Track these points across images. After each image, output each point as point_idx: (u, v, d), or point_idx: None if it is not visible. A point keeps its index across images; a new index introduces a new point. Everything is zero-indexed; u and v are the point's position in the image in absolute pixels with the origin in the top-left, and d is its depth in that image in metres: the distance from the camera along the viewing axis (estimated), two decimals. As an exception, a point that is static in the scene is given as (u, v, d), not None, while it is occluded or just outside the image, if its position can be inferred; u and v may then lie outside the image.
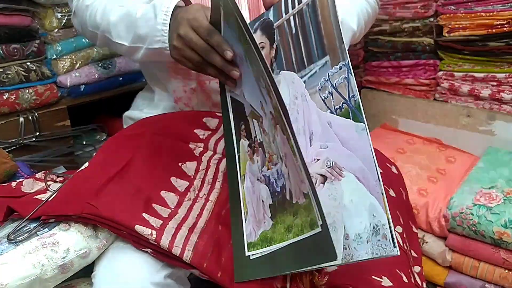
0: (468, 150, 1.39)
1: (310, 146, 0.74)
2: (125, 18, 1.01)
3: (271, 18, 0.83)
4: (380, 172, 0.94)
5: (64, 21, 1.58)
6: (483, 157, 1.30)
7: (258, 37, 0.85)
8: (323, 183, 0.70)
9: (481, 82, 1.37)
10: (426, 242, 1.19)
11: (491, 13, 1.28)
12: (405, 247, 0.90)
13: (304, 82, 0.77)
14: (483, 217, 1.08)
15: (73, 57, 1.63)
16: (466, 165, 1.31)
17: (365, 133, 0.66)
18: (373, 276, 0.77)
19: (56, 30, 1.58)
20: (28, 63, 1.49)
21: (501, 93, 1.34)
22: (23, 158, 1.44)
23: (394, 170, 1.03)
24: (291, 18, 0.80)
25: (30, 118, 1.49)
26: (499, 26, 1.28)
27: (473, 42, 1.36)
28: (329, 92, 0.73)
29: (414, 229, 1.04)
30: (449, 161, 1.34)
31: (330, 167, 0.69)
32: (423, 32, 1.46)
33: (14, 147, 1.46)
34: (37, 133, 1.51)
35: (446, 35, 1.37)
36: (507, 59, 1.34)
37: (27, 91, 1.48)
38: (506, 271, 1.09)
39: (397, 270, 0.82)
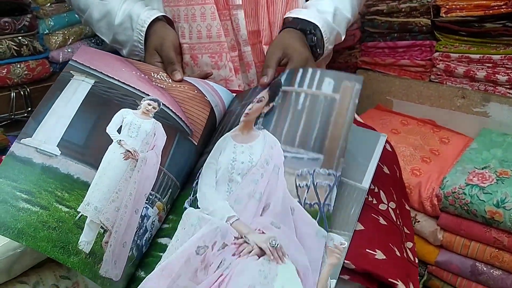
0: (462, 131, 1.40)
1: (260, 215, 0.72)
2: (106, 18, 1.09)
3: (282, 80, 0.83)
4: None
5: (57, -5, 1.57)
6: (476, 138, 1.31)
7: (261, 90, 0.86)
8: (259, 257, 0.68)
9: (477, 64, 1.37)
10: (418, 221, 1.20)
11: (489, -6, 1.28)
12: (398, 223, 0.91)
13: (285, 157, 0.75)
14: (475, 196, 1.09)
15: (66, 32, 1.62)
16: (459, 146, 1.31)
17: (323, 240, 0.67)
18: (367, 250, 0.77)
19: (49, 4, 1.57)
20: (20, 38, 1.47)
21: (496, 75, 1.34)
22: (14, 134, 1.43)
23: (388, 147, 1.03)
24: (302, 94, 0.79)
25: (22, 93, 1.48)
26: (496, 8, 1.28)
27: (469, 23, 1.36)
28: (306, 185, 0.71)
29: (407, 207, 1.04)
30: (443, 142, 1.35)
31: (274, 246, 0.68)
32: (420, 12, 1.46)
33: (5, 122, 1.45)
34: (29, 109, 1.50)
35: (443, 15, 1.37)
36: (503, 40, 1.34)
37: (18, 66, 1.47)
38: (497, 250, 1.10)
39: (390, 244, 0.82)
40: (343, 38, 1.07)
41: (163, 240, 0.74)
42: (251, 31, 1.05)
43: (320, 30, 1.01)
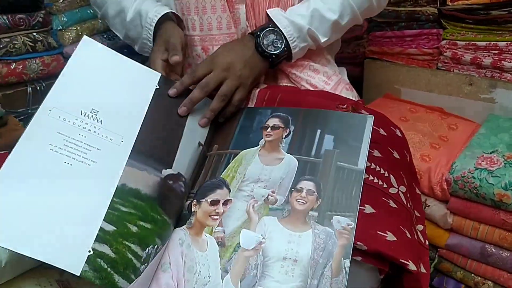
0: (470, 118, 1.41)
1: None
2: (120, 15, 1.11)
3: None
4: (384, 135, 0.98)
5: (69, -9, 1.59)
6: (484, 124, 1.33)
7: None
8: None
9: (483, 51, 1.39)
10: (428, 206, 1.22)
11: (495, -18, 1.30)
12: (408, 206, 0.93)
13: None
14: (484, 180, 1.11)
15: (78, 28, 1.64)
16: (467, 132, 1.33)
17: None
18: (378, 232, 0.79)
19: (61, 0, 1.59)
20: (34, 34, 1.50)
21: (502, 62, 1.36)
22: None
23: (398, 133, 1.05)
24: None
25: (38, 88, 1.51)
26: (502, -5, 1.29)
27: (476, 11, 1.37)
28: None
29: (417, 191, 1.06)
30: (451, 128, 1.37)
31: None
32: (427, 1, 1.47)
33: (22, 117, 1.48)
34: (45, 104, 1.53)
35: (450, 4, 1.39)
36: (508, 27, 1.35)
37: (34, 61, 1.49)
38: (506, 232, 1.13)
39: (400, 227, 0.84)
40: (325, 40, 1.06)
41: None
42: (254, 25, 1.08)
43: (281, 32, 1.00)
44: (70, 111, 0.78)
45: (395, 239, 0.80)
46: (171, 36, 1.01)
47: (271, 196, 0.80)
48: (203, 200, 0.79)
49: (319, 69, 1.12)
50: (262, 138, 0.88)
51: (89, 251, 0.67)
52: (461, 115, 1.43)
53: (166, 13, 1.05)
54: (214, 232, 0.78)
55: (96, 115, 0.80)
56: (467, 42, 1.40)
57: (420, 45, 1.51)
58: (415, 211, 1.00)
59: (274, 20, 1.01)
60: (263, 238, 0.75)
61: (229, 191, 0.81)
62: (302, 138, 0.87)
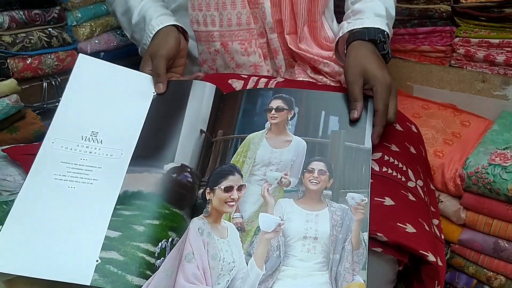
0: (483, 115, 1.42)
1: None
2: (127, 15, 1.14)
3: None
4: (401, 130, 0.99)
5: (84, -13, 1.61)
6: (497, 120, 1.34)
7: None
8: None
9: (496, 48, 1.39)
10: (441, 202, 1.23)
11: (508, -21, 1.30)
12: (426, 199, 0.94)
13: None
14: (498, 176, 1.12)
15: (92, 24, 1.66)
16: (480, 128, 1.34)
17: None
18: (397, 223, 0.80)
19: (76, -4, 1.61)
20: (50, 29, 1.52)
21: (515, 59, 1.37)
22: (47, 122, 1.48)
23: (414, 129, 1.06)
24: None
25: (53, 83, 1.53)
26: (515, -7, 1.30)
27: (489, 8, 1.37)
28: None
29: (432, 186, 1.08)
30: (464, 125, 1.37)
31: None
32: (440, -1, 1.48)
33: (37, 111, 1.49)
34: (60, 98, 1.54)
35: (463, 1, 1.39)
36: (522, 25, 1.36)
37: (49, 57, 1.51)
38: (519, 227, 1.14)
39: (419, 219, 0.85)
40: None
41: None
42: (277, 20, 1.09)
43: (388, 35, 1.01)
44: (71, 139, 0.83)
45: (414, 231, 0.81)
46: (160, 47, 1.00)
47: (284, 179, 0.82)
48: (217, 187, 0.80)
49: (333, 65, 1.13)
50: (267, 121, 0.89)
51: (97, 260, 0.72)
52: (473, 112, 1.44)
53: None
54: (233, 218, 0.79)
55: (96, 136, 0.85)
56: (481, 39, 1.41)
57: (433, 42, 1.52)
58: (431, 206, 1.01)
59: (381, 28, 1.00)
60: (281, 220, 0.77)
61: (242, 176, 0.82)
62: (307, 119, 0.89)
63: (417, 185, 0.93)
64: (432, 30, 1.51)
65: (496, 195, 1.13)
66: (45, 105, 1.51)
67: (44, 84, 1.51)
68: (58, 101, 1.50)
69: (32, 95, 1.50)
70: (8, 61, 1.38)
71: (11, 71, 1.39)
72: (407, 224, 0.82)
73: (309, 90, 0.95)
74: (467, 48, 1.45)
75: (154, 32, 1.05)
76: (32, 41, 1.46)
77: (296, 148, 0.85)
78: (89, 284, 0.69)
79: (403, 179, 0.90)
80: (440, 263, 0.83)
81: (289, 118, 0.89)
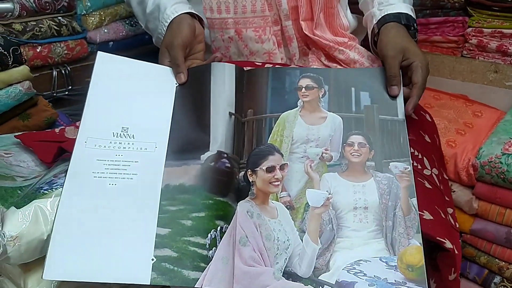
0: (495, 105, 1.41)
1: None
2: (142, 5, 1.12)
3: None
4: (416, 119, 0.99)
5: (93, -24, 1.60)
6: (510, 111, 1.33)
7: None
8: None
9: (509, 38, 1.38)
10: (454, 191, 1.23)
11: (522, -31, 1.29)
12: (441, 188, 0.94)
13: None
14: (511, 165, 1.12)
15: (102, 13, 1.65)
16: (493, 118, 1.33)
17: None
18: (415, 210, 0.80)
19: (85, -15, 1.60)
20: (60, 18, 1.52)
21: (528, 49, 1.36)
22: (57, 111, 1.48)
23: (428, 118, 1.06)
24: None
25: (63, 72, 1.53)
26: (529, -18, 1.29)
27: (502, -2, 1.37)
28: None
29: (445, 176, 1.07)
30: (476, 115, 1.37)
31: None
32: (453, -12, 1.47)
33: (47, 100, 1.49)
34: (69, 87, 1.55)
35: (476, -9, 1.39)
36: (535, 15, 1.35)
37: (59, 45, 1.51)
38: (532, 217, 1.14)
39: (435, 207, 0.86)
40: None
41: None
42: (292, 7, 1.08)
43: (416, 23, 1.02)
44: (103, 136, 0.83)
45: (431, 218, 0.81)
46: (175, 37, 0.99)
47: (326, 154, 0.83)
48: (258, 168, 0.80)
49: (348, 52, 1.13)
50: (298, 99, 0.89)
51: (152, 259, 0.73)
52: (485, 102, 1.43)
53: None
54: (280, 197, 0.80)
55: (127, 132, 0.85)
56: (493, 29, 1.40)
57: (445, 32, 1.51)
58: (445, 195, 1.01)
59: (411, 14, 1.02)
60: (329, 194, 0.78)
61: (282, 155, 0.82)
62: (338, 96, 0.90)
63: (433, 173, 0.93)
64: (444, 20, 1.50)
65: (510, 184, 1.12)
66: (55, 94, 1.51)
67: (54, 73, 1.51)
68: (68, 90, 1.54)
69: (42, 83, 1.49)
70: (19, 48, 1.37)
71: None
72: (424, 211, 0.82)
73: (335, 69, 0.95)
74: (479, 38, 1.44)
75: (169, 21, 1.03)
76: (42, 30, 1.46)
77: (332, 124, 0.86)
78: (149, 283, 0.70)
79: (419, 166, 0.90)
80: (456, 251, 0.83)
81: (321, 96, 0.89)
